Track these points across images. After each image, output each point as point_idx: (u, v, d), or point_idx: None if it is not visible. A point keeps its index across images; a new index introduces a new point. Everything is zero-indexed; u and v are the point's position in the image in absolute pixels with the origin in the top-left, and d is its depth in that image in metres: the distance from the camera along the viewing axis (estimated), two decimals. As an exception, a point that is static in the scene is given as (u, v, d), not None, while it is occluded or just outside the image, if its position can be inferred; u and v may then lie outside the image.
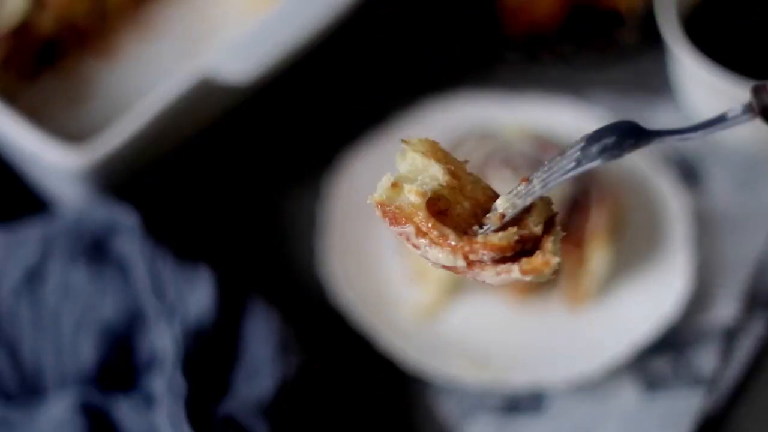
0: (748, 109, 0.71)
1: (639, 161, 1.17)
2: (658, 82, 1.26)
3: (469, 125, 1.19)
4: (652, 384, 1.07)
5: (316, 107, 1.26)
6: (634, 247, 1.13)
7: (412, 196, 0.72)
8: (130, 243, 1.06)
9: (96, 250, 1.07)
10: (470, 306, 1.11)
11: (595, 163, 0.71)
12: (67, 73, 1.23)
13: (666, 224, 1.14)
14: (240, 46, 1.11)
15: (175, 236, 1.11)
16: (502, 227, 0.72)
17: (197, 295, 1.03)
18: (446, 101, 1.22)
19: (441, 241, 0.72)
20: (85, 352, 1.02)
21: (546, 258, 0.71)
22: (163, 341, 1.01)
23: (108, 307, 1.04)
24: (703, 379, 1.07)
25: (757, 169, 1.19)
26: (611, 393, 1.07)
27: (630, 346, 1.06)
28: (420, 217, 0.72)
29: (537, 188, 0.72)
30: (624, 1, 1.26)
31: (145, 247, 1.06)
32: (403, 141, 0.74)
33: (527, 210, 0.73)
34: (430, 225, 0.72)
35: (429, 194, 0.72)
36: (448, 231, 0.72)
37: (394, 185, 0.73)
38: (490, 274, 0.72)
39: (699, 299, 1.11)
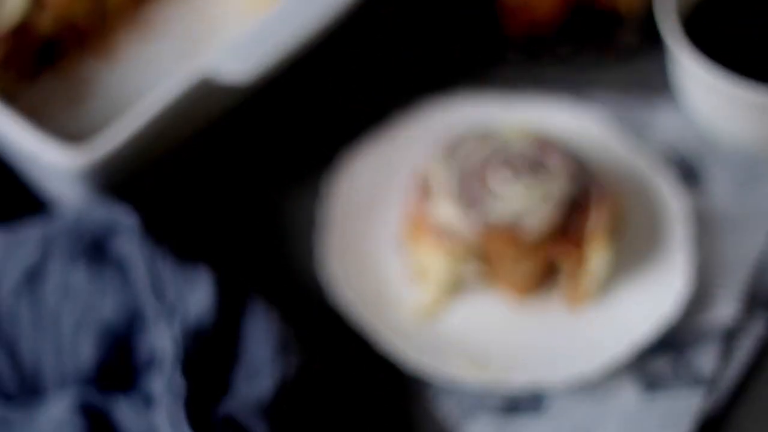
0: None
1: (639, 161, 1.18)
2: (658, 82, 1.26)
3: (469, 125, 1.19)
4: (652, 384, 1.07)
5: (316, 107, 1.26)
6: (634, 247, 1.13)
7: None
8: (130, 243, 1.06)
9: (96, 250, 1.07)
10: (470, 306, 1.11)
11: None
12: (66, 73, 1.23)
13: (666, 224, 1.14)
14: (240, 46, 1.11)
15: (175, 236, 1.11)
16: None
17: (197, 295, 1.03)
18: (446, 101, 1.22)
19: None
20: (85, 352, 1.02)
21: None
22: (162, 341, 1.01)
23: (108, 307, 1.04)
24: (703, 379, 1.07)
25: (757, 169, 1.19)
26: (611, 393, 1.07)
27: (630, 346, 1.06)
28: None
29: None
30: (624, 1, 1.26)
31: (145, 247, 1.06)
32: None
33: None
34: None
35: None
36: None
37: None
38: None
39: (699, 299, 1.11)
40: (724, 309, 1.11)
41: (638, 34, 1.28)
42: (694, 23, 1.16)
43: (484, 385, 1.06)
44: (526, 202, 1.07)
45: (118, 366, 1.02)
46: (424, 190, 1.10)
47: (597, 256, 1.09)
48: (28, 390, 1.02)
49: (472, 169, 1.10)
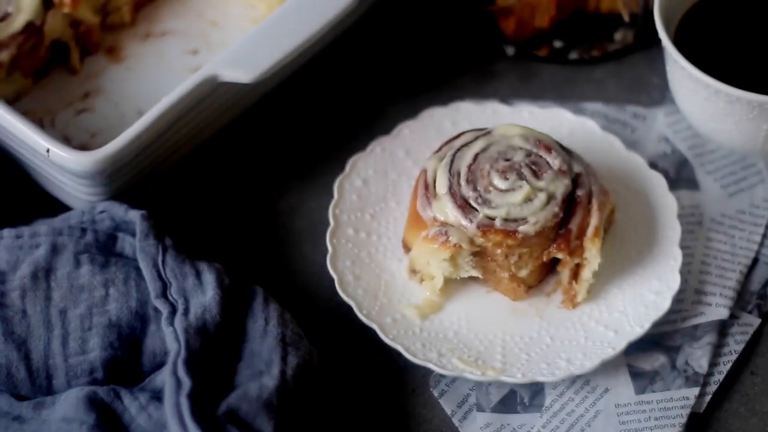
0: None
1: (635, 162, 1.18)
2: (656, 83, 1.26)
3: (469, 125, 1.19)
4: (647, 382, 1.08)
5: (318, 108, 1.26)
6: (631, 247, 1.13)
7: None
8: (137, 242, 1.07)
9: (103, 249, 1.08)
10: (470, 306, 1.11)
11: None
12: (74, 73, 1.24)
13: (661, 224, 1.14)
14: (242, 48, 1.11)
15: (179, 236, 1.12)
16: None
17: (202, 294, 1.04)
18: (446, 102, 1.23)
19: None
20: (93, 349, 1.03)
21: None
22: (168, 339, 1.02)
23: (115, 306, 1.05)
24: (697, 377, 1.08)
25: (750, 170, 1.20)
26: (607, 391, 1.08)
27: (626, 344, 1.07)
28: None
29: None
30: (622, 2, 1.27)
31: (151, 246, 1.07)
32: None
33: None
34: None
35: None
36: None
37: None
38: None
39: (693, 299, 1.12)
40: (718, 308, 1.11)
41: (636, 36, 1.28)
42: (690, 26, 1.17)
43: (483, 384, 1.07)
44: (525, 202, 1.08)
45: (125, 363, 1.03)
46: (425, 190, 1.10)
47: (594, 256, 1.09)
48: (38, 387, 1.02)
49: (473, 169, 1.10)
